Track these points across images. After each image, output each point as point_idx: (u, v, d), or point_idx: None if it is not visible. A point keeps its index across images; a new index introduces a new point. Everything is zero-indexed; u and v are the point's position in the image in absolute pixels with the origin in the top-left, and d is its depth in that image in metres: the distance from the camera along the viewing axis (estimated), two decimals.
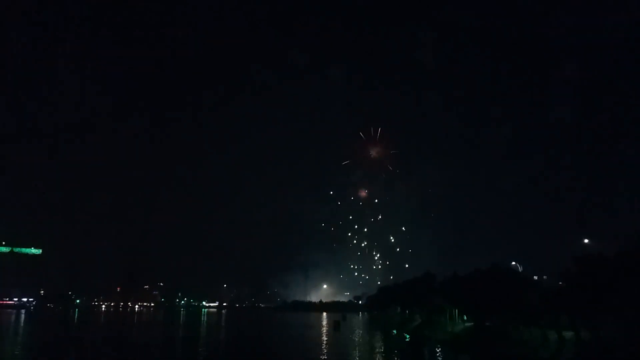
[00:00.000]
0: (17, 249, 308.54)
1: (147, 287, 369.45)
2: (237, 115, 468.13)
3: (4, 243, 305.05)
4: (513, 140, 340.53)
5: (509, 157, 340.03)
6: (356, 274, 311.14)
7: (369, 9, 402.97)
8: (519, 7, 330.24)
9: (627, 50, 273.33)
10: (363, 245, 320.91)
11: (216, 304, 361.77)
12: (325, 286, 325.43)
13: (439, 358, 56.27)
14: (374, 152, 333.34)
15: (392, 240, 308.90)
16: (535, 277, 79.73)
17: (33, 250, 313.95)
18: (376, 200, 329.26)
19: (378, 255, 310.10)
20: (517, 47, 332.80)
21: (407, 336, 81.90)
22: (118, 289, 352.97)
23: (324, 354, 55.80)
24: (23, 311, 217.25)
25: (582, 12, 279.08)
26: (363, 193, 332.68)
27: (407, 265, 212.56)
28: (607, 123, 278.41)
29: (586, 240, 72.90)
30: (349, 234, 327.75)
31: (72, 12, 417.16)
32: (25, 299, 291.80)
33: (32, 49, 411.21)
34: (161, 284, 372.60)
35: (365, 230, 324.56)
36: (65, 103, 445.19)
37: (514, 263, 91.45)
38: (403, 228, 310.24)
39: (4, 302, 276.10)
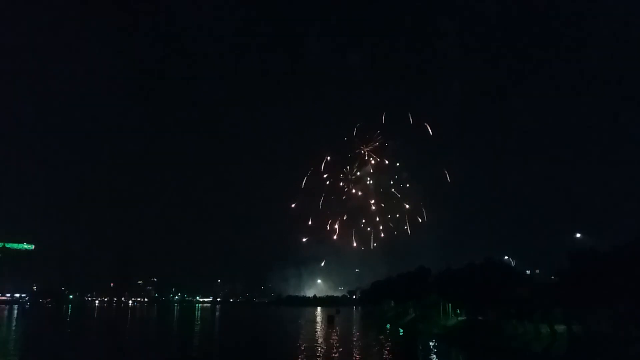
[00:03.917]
0: (9, 245, 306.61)
1: (140, 282, 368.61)
2: (238, 109, 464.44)
3: None
4: (512, 134, 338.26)
5: (504, 152, 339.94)
6: (350, 268, 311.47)
7: None
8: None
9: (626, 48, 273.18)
10: (357, 239, 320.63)
11: (210, 299, 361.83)
12: (319, 281, 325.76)
13: (433, 352, 56.72)
14: (381, 147, 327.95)
15: (387, 235, 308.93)
16: (528, 272, 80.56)
17: (25, 246, 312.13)
18: (374, 199, 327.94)
19: (372, 249, 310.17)
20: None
21: (401, 330, 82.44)
22: (111, 284, 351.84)
23: (318, 349, 56.01)
24: (16, 307, 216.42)
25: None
26: (362, 186, 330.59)
27: (401, 260, 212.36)
28: (604, 118, 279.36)
29: (578, 235, 73.57)
30: (345, 229, 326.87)
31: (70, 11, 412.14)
32: (17, 295, 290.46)
33: (31, 48, 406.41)
34: (155, 279, 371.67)
35: (361, 224, 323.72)
36: (63, 101, 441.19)
37: (506, 257, 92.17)
38: (398, 222, 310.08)
39: None
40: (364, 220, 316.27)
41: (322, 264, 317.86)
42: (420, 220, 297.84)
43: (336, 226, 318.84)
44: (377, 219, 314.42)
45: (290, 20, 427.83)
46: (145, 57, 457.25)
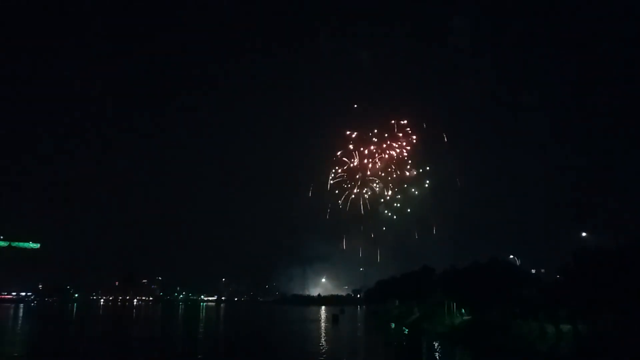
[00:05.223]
0: (15, 243, 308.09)
1: (145, 281, 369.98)
2: (242, 108, 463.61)
3: (1, 237, 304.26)
4: (518, 133, 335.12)
5: (507, 149, 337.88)
6: (355, 267, 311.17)
7: None
8: None
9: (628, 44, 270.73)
10: (362, 238, 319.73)
11: (215, 298, 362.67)
12: (324, 280, 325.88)
13: (437, 351, 56.56)
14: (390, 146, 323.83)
15: (392, 234, 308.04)
16: (533, 271, 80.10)
17: (31, 245, 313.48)
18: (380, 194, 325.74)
19: (377, 248, 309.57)
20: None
21: (406, 329, 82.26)
22: (116, 283, 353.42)
23: (322, 349, 55.96)
24: (21, 305, 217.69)
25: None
26: (371, 194, 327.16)
27: (405, 259, 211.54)
28: (607, 116, 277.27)
29: (584, 234, 73.05)
30: (348, 228, 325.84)
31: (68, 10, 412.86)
32: (23, 294, 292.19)
33: (32, 47, 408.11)
34: (160, 278, 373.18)
35: (365, 223, 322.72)
36: (62, 100, 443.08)
37: (512, 256, 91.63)
38: (404, 226, 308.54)
39: (3, 296, 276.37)
40: (372, 235, 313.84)
41: (329, 265, 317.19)
42: (428, 224, 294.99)
43: (343, 237, 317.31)
44: (384, 228, 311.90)
45: (301, 17, 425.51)
46: (149, 62, 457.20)
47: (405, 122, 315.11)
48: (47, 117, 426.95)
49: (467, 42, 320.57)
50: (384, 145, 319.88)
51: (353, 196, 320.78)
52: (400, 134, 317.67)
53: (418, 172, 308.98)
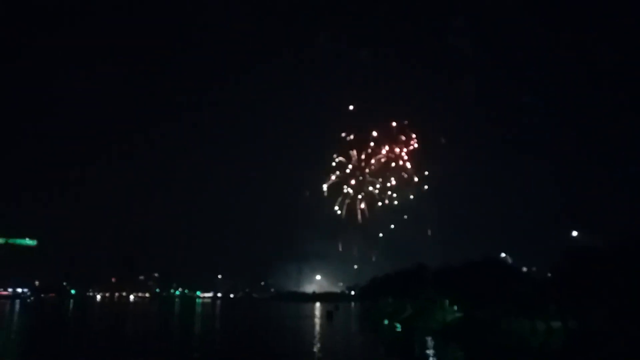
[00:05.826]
0: (12, 240, 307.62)
1: (142, 277, 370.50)
2: (241, 106, 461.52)
3: None
4: (510, 132, 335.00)
5: (500, 149, 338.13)
6: (349, 265, 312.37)
7: None
8: None
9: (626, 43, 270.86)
10: (357, 236, 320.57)
11: (211, 294, 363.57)
12: (318, 277, 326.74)
13: (430, 347, 57.33)
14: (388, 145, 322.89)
15: (385, 232, 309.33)
16: (525, 269, 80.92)
17: (28, 242, 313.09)
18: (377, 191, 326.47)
19: (371, 246, 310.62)
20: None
21: (399, 326, 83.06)
22: (113, 279, 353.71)
23: (317, 344, 56.70)
24: (17, 302, 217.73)
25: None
26: (366, 198, 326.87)
27: (399, 257, 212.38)
28: (601, 113, 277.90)
29: (575, 233, 73.95)
30: (343, 225, 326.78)
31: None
32: (20, 290, 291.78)
33: (30, 46, 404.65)
34: (156, 274, 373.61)
35: (359, 220, 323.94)
36: (62, 99, 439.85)
37: (503, 255, 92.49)
38: (393, 225, 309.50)
39: None
40: (368, 237, 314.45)
41: (325, 262, 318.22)
42: (423, 223, 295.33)
43: (339, 236, 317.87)
44: (381, 235, 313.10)
45: (301, 16, 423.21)
46: (149, 63, 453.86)
47: (406, 122, 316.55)
48: (47, 116, 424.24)
49: (467, 42, 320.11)
50: (382, 149, 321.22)
51: (349, 201, 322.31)
52: (402, 137, 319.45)
53: (417, 177, 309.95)
